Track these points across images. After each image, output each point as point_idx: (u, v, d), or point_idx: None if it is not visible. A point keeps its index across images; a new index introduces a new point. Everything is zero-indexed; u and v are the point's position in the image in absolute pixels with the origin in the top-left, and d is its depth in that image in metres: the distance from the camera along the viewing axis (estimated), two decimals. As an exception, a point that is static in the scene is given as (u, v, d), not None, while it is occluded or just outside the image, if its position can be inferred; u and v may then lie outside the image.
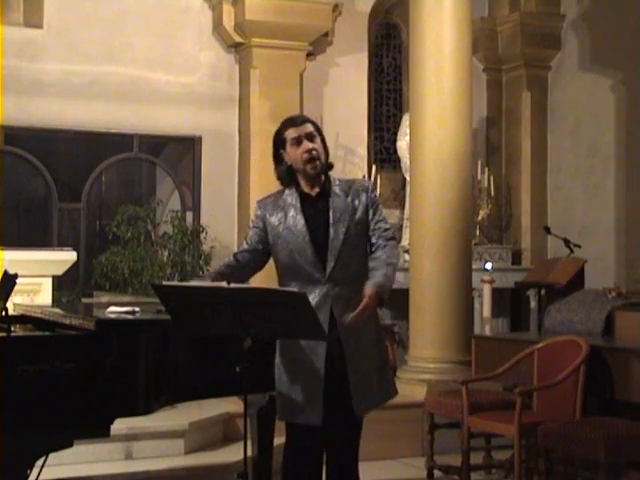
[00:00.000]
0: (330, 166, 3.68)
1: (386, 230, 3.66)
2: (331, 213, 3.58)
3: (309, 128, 3.62)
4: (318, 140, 3.62)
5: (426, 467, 5.76)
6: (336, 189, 3.64)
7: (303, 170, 3.60)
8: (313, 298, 3.46)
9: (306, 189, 3.64)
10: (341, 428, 3.61)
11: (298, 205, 3.61)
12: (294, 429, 3.61)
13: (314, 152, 3.58)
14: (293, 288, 3.43)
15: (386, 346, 3.89)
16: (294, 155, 3.60)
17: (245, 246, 3.72)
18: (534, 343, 5.50)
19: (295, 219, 3.58)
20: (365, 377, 3.58)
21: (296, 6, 8.48)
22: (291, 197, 3.64)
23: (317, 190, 3.63)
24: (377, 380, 3.65)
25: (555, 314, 6.23)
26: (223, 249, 8.50)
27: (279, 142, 3.66)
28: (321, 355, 3.51)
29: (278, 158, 3.68)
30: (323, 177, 3.65)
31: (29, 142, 8.36)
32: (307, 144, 3.58)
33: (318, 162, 3.59)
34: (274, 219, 3.63)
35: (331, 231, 3.56)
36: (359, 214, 3.61)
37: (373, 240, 3.63)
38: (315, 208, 3.60)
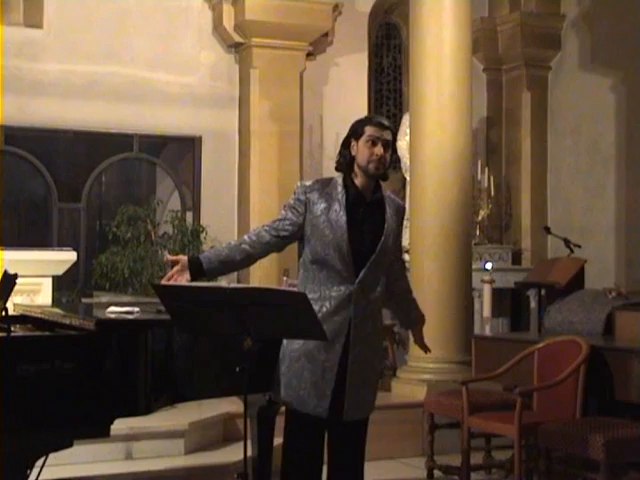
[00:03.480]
0: (385, 177, 3.72)
1: (401, 255, 3.89)
2: (387, 225, 3.64)
3: (389, 136, 3.66)
4: (389, 152, 3.68)
5: (426, 467, 5.76)
6: (389, 203, 3.71)
7: (365, 167, 3.63)
8: (337, 293, 3.54)
9: (360, 187, 3.66)
10: (345, 427, 3.62)
11: (344, 201, 3.62)
12: (297, 422, 3.61)
13: (382, 160, 3.63)
14: (294, 289, 3.45)
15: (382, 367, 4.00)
16: (363, 152, 3.63)
17: (280, 225, 3.66)
18: (534, 343, 5.50)
19: (338, 214, 3.58)
20: (362, 384, 3.61)
21: (296, 6, 8.49)
22: (339, 190, 3.65)
23: (373, 196, 3.67)
24: (370, 393, 3.70)
25: (555, 314, 6.23)
26: (223, 249, 8.49)
27: (355, 131, 3.67)
28: (337, 351, 3.55)
29: (346, 144, 3.70)
30: (375, 188, 3.70)
31: (29, 142, 8.36)
32: (380, 149, 3.63)
33: (381, 168, 3.64)
34: (318, 207, 3.62)
35: (382, 240, 3.61)
36: (397, 236, 3.74)
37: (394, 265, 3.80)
38: (365, 211, 3.64)
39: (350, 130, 3.71)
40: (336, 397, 3.56)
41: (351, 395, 3.57)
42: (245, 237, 3.67)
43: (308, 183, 3.71)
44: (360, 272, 3.57)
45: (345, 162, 3.69)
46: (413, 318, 3.95)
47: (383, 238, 3.62)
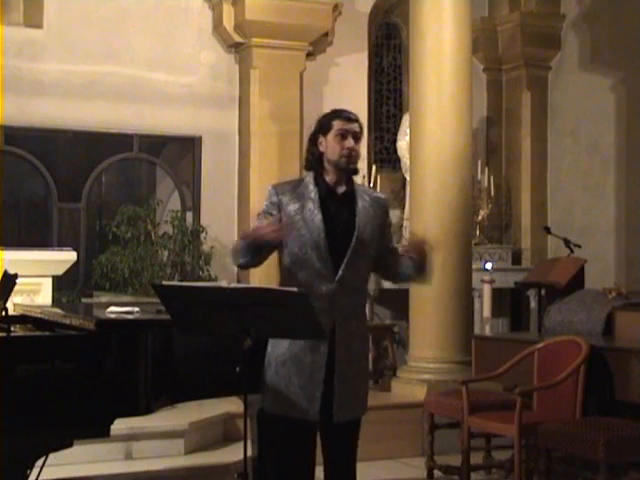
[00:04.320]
0: (356, 171, 3.63)
1: (394, 248, 3.77)
2: (357, 219, 3.54)
3: (357, 128, 3.59)
4: (359, 143, 3.60)
5: (426, 467, 5.76)
6: (362, 195, 3.63)
7: (336, 162, 3.55)
8: (318, 293, 3.45)
9: (331, 183, 3.59)
10: (337, 429, 3.56)
11: (317, 198, 3.55)
12: (286, 428, 3.53)
13: (354, 153, 3.56)
14: (293, 288, 3.38)
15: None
16: (333, 146, 3.55)
17: None
18: (534, 343, 5.50)
19: (312, 213, 3.52)
20: (350, 384, 3.55)
21: (296, 6, 8.48)
22: (311, 188, 3.58)
23: (343, 189, 3.60)
24: (360, 392, 3.63)
25: (555, 314, 6.23)
26: (223, 249, 8.49)
27: (323, 127, 3.60)
28: (323, 352, 3.49)
29: (313, 141, 3.62)
30: (346, 180, 3.62)
31: (29, 142, 8.35)
32: (351, 142, 3.55)
33: (352, 161, 3.57)
34: (291, 208, 3.55)
35: (355, 235, 3.53)
36: (377, 229, 3.61)
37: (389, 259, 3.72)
38: (337, 206, 3.56)
39: (316, 126, 3.62)
40: (326, 399, 3.50)
41: (340, 396, 3.51)
42: (232, 249, 3.62)
43: (278, 185, 3.66)
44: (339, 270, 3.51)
45: (314, 159, 3.61)
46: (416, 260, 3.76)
47: (356, 232, 3.52)
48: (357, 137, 3.58)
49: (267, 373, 3.56)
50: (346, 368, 3.52)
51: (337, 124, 3.56)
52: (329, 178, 3.60)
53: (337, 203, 3.57)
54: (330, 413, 3.50)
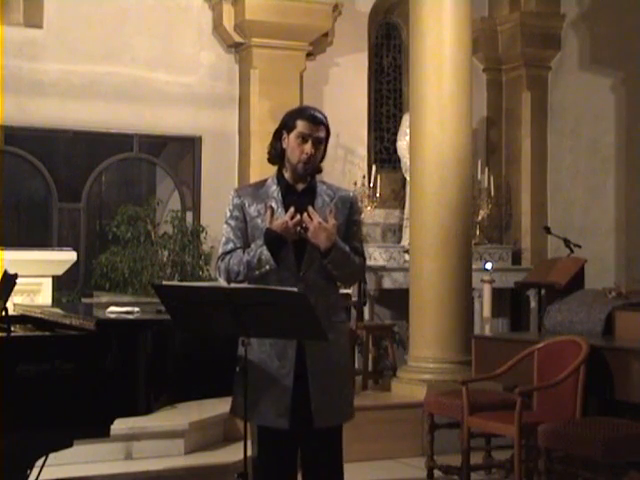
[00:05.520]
0: (319, 170, 3.57)
1: (361, 253, 3.57)
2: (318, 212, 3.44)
3: (322, 133, 3.50)
4: (321, 149, 3.52)
5: (426, 467, 5.76)
6: (321, 190, 3.56)
7: (295, 165, 3.50)
8: None
9: (291, 181, 3.54)
10: (317, 437, 3.45)
11: (280, 198, 3.50)
12: (262, 437, 3.47)
13: (311, 159, 3.48)
14: (293, 288, 3.35)
15: (352, 370, 3.70)
16: (293, 148, 3.48)
17: (233, 245, 3.51)
18: (534, 343, 5.50)
19: (276, 211, 3.44)
20: (327, 387, 3.43)
21: (296, 6, 8.48)
22: (273, 188, 3.53)
23: (302, 186, 3.54)
24: (341, 395, 3.49)
25: (555, 314, 6.23)
26: (223, 249, 8.50)
27: (287, 124, 3.51)
28: (291, 356, 3.41)
29: (277, 135, 3.55)
30: (309, 177, 3.56)
31: (29, 142, 8.36)
32: (310, 148, 3.46)
33: (310, 166, 3.50)
34: (253, 209, 3.50)
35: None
36: (341, 225, 3.47)
37: None
38: (298, 204, 3.44)
39: (282, 121, 3.54)
40: (303, 405, 3.39)
41: (317, 400, 3.39)
42: (230, 269, 3.49)
43: (240, 188, 3.61)
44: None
45: (276, 154, 3.54)
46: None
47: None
48: (319, 143, 3.49)
49: (237, 381, 3.47)
50: (321, 370, 3.42)
51: (300, 126, 3.47)
52: (288, 176, 3.54)
53: (297, 202, 3.47)
54: (309, 420, 3.39)
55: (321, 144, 3.51)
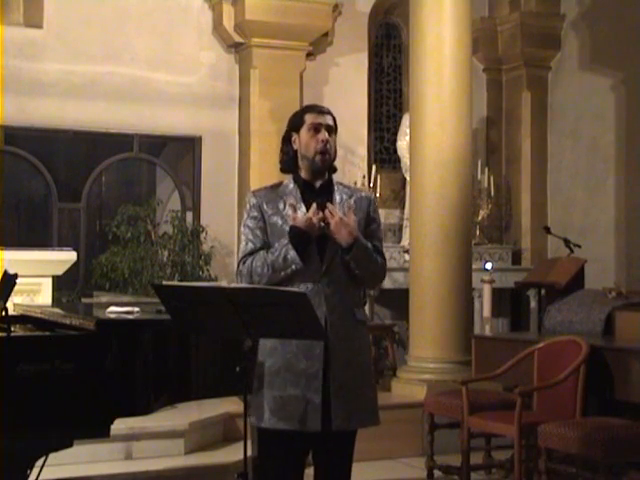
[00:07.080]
0: (334, 169, 3.54)
1: (381, 252, 3.52)
2: (337, 208, 3.40)
3: (330, 121, 3.48)
4: (334, 138, 3.49)
5: (426, 467, 5.76)
6: (339, 188, 3.52)
7: (312, 159, 3.44)
8: (305, 291, 3.26)
9: (308, 178, 3.49)
10: (333, 441, 3.40)
11: (298, 195, 3.46)
12: (281, 441, 3.38)
13: (328, 145, 3.44)
14: (292, 288, 3.34)
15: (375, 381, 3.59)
16: (306, 141, 3.44)
17: (253, 245, 3.45)
18: (534, 343, 5.50)
19: (296, 207, 3.41)
20: (351, 388, 3.36)
21: (296, 6, 8.49)
22: (291, 187, 3.49)
23: (320, 182, 3.49)
24: (365, 398, 3.41)
25: (555, 314, 6.23)
26: (223, 249, 8.50)
27: (295, 123, 3.49)
28: (319, 355, 3.34)
29: (286, 139, 3.53)
30: (326, 175, 3.52)
31: (29, 142, 8.36)
32: (325, 134, 3.43)
33: (328, 156, 3.45)
34: (270, 206, 3.46)
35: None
36: (361, 222, 3.44)
37: None
38: (316, 200, 3.40)
39: (289, 124, 3.53)
40: (324, 406, 3.32)
41: (339, 401, 3.32)
42: (253, 271, 3.42)
43: (256, 190, 3.57)
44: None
45: (289, 159, 3.50)
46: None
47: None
48: (330, 129, 3.47)
49: (260, 387, 3.40)
50: (345, 370, 3.36)
51: (309, 118, 3.45)
52: (304, 174, 3.50)
53: (315, 196, 3.44)
54: (329, 421, 3.33)
55: (332, 132, 3.48)
